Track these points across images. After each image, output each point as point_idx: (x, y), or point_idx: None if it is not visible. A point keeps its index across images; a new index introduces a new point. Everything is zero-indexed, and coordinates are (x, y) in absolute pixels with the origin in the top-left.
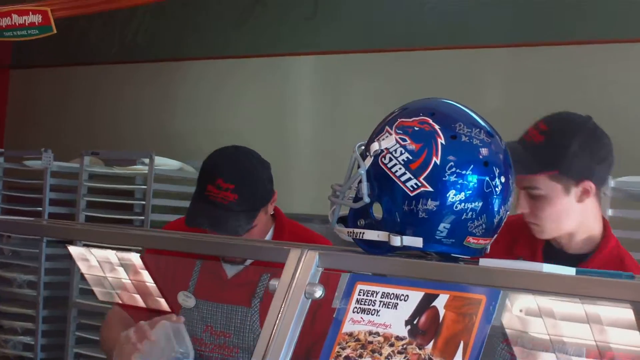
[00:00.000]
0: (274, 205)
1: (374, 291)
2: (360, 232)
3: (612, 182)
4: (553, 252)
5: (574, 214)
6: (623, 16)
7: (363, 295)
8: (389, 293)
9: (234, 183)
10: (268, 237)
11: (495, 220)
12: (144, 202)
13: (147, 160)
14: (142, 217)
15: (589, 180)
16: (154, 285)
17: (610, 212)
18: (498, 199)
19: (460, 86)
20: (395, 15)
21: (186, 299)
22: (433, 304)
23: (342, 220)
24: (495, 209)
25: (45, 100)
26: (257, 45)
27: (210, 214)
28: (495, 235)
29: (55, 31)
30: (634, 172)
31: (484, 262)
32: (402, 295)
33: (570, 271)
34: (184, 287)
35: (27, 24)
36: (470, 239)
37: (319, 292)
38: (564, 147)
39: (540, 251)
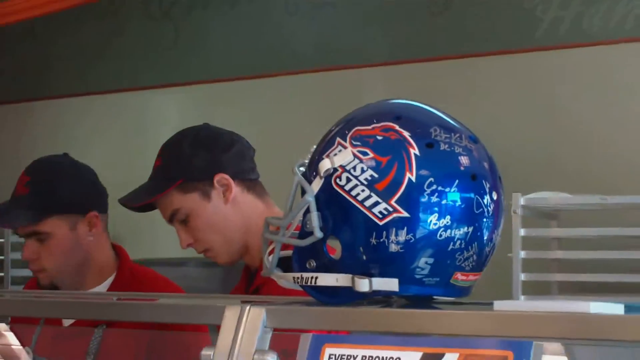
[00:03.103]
0: (93, 232)
1: (351, 355)
2: (312, 277)
3: (521, 200)
4: None
5: None
6: (503, 29)
7: None
8: (372, 356)
9: (29, 175)
10: (105, 285)
11: (488, 250)
12: (1, 257)
13: None
14: (1, 274)
15: None
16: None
17: (522, 232)
18: (490, 222)
19: (339, 108)
20: (261, 41)
21: (27, 355)
22: None
23: (283, 264)
24: (487, 235)
25: None
26: (115, 79)
27: (2, 206)
28: (484, 269)
29: None
30: (541, 188)
31: (499, 304)
32: (391, 357)
33: (618, 309)
34: (28, 340)
35: None
36: (459, 275)
37: None
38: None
39: None
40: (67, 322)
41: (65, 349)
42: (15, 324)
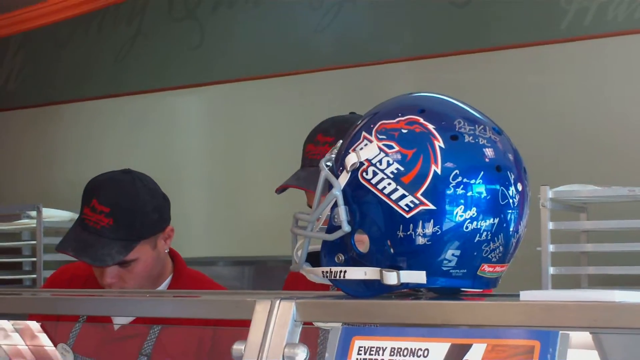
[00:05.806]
0: (168, 244)
1: (380, 347)
2: (341, 271)
3: (549, 193)
4: None
5: None
6: (528, 20)
7: (364, 354)
8: (401, 348)
9: (109, 206)
10: (164, 286)
11: (513, 241)
12: (34, 259)
13: (33, 214)
14: (34, 276)
15: None
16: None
17: (551, 225)
18: (515, 213)
19: (363, 104)
20: (286, 39)
21: (64, 353)
22: (465, 357)
23: (311, 258)
24: (513, 227)
25: None
26: (141, 81)
27: (78, 237)
28: (510, 261)
29: None
30: (570, 181)
31: (525, 295)
32: (420, 349)
33: None
34: (64, 337)
35: None
36: (485, 267)
37: (301, 355)
38: None
39: None
40: (118, 322)
41: (113, 350)
42: (48, 323)
